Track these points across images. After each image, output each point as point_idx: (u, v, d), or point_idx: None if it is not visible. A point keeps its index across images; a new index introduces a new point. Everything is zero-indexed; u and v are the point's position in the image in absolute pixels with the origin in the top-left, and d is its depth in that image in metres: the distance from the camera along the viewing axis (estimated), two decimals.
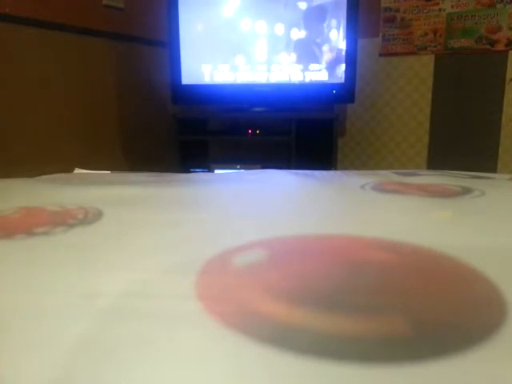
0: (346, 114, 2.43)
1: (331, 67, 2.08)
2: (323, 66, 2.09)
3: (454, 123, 2.26)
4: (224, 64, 2.11)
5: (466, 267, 0.31)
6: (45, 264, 0.33)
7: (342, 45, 2.05)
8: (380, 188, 0.58)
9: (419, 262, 0.33)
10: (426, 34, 2.22)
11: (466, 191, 0.55)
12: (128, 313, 0.25)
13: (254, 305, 0.26)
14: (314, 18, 2.08)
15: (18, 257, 0.34)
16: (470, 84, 2.20)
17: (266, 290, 0.28)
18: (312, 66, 2.09)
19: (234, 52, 2.10)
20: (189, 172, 0.86)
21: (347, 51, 2.04)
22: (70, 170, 0.88)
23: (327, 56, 2.08)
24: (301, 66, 2.10)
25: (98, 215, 0.44)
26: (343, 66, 2.06)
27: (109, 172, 0.89)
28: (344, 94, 2.08)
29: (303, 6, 2.06)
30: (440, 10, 2.19)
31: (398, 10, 2.26)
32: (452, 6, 2.17)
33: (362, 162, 2.47)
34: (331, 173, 0.75)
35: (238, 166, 2.14)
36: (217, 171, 2.08)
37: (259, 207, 0.49)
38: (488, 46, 2.13)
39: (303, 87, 2.11)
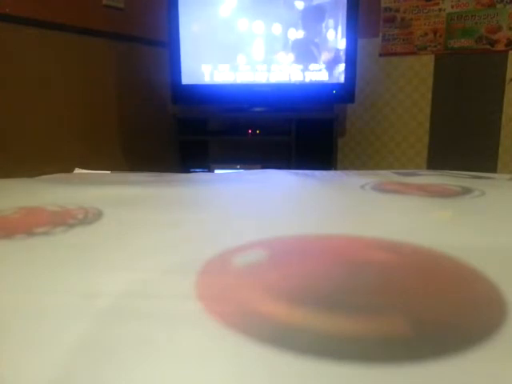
0: (345, 114, 2.43)
1: (331, 67, 2.08)
2: (323, 66, 2.09)
3: (454, 123, 2.26)
4: (224, 64, 2.11)
5: (466, 267, 0.31)
6: (45, 264, 0.33)
7: (342, 45, 2.05)
8: (380, 188, 0.58)
9: (419, 261, 0.33)
10: (426, 33, 2.22)
11: (465, 191, 0.55)
12: (128, 313, 0.25)
13: (253, 305, 0.26)
14: (315, 17, 2.08)
15: (18, 257, 0.34)
16: (470, 84, 2.20)
17: (266, 290, 0.28)
18: (312, 66, 2.09)
19: (234, 52, 2.10)
20: (189, 172, 0.86)
21: (347, 51, 2.04)
22: (69, 170, 0.88)
23: (327, 56, 2.08)
24: (301, 66, 2.10)
25: (98, 215, 0.44)
26: (343, 66, 2.06)
27: (109, 172, 0.89)
28: (344, 94, 2.08)
29: (304, 6, 2.06)
30: (440, 10, 2.19)
31: (397, 10, 2.26)
32: (452, 6, 2.17)
33: (362, 162, 2.47)
34: (331, 173, 0.75)
35: (238, 166, 2.14)
36: (217, 171, 2.08)
37: (259, 207, 0.49)
38: (488, 46, 2.13)
39: (303, 87, 2.11)
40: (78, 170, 0.88)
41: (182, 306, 0.26)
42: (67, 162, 1.37)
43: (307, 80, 2.10)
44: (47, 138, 1.91)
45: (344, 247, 0.36)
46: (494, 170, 2.21)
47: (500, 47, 2.12)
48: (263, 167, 0.84)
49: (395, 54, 2.29)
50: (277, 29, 2.07)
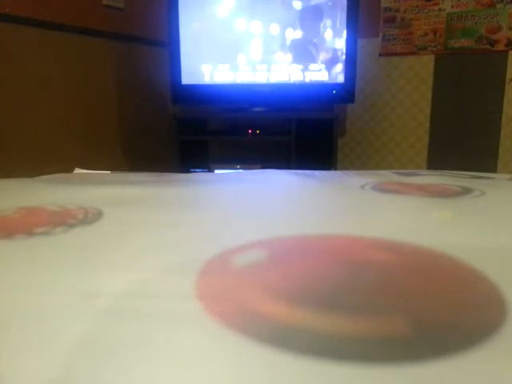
0: (345, 114, 2.43)
1: (331, 67, 2.08)
2: (323, 66, 2.09)
3: (454, 123, 2.26)
4: (224, 64, 2.11)
5: (466, 267, 0.31)
6: (45, 264, 0.33)
7: (342, 45, 2.05)
8: (380, 188, 0.58)
9: (419, 261, 0.33)
10: (426, 33, 2.22)
11: (466, 191, 0.55)
12: (128, 313, 0.25)
13: (254, 305, 0.26)
14: (315, 17, 2.08)
15: (18, 257, 0.34)
16: (470, 84, 2.20)
17: (266, 290, 0.28)
18: (312, 66, 2.09)
19: (234, 52, 2.10)
20: (189, 172, 0.86)
21: (347, 51, 2.04)
22: (69, 170, 0.88)
23: (327, 56, 2.08)
24: (301, 66, 2.10)
25: (98, 215, 0.44)
26: (343, 66, 2.06)
27: (109, 172, 0.89)
28: (344, 94, 2.08)
29: (304, 6, 2.06)
30: (440, 10, 2.19)
31: (398, 10, 2.26)
32: (452, 6, 2.17)
33: (362, 162, 2.47)
34: (331, 173, 0.75)
35: (238, 166, 2.14)
36: (217, 171, 2.08)
37: (259, 207, 0.49)
38: (488, 46, 2.13)
39: (303, 87, 2.11)
40: (78, 170, 0.88)
41: (182, 305, 0.26)
42: (67, 161, 1.37)
43: (307, 80, 2.10)
44: (47, 138, 1.91)
45: (344, 247, 0.36)
46: (494, 170, 2.21)
47: (500, 47, 2.12)
48: (263, 167, 0.84)
49: (395, 54, 2.29)
50: (277, 28, 2.07)
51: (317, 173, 0.73)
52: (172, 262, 0.33)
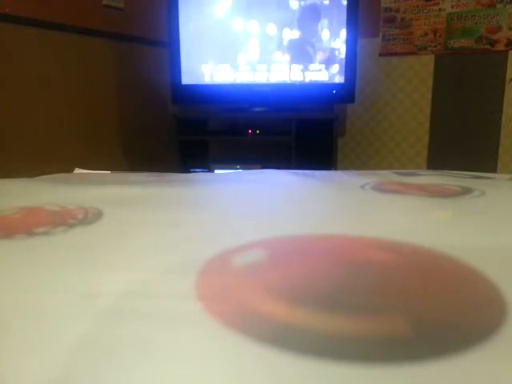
0: (345, 114, 2.43)
1: (331, 67, 2.08)
2: (323, 66, 2.09)
3: (454, 123, 2.26)
4: (224, 64, 2.11)
5: (466, 267, 0.31)
6: (45, 264, 0.33)
7: (342, 45, 2.05)
8: (380, 188, 0.58)
9: (419, 261, 0.33)
10: (426, 33, 2.22)
11: (466, 191, 0.55)
12: (128, 313, 0.25)
13: (254, 305, 0.26)
14: (314, 17, 2.08)
15: (18, 257, 0.34)
16: (470, 84, 2.20)
17: (266, 290, 0.28)
18: (312, 66, 2.09)
19: (234, 52, 2.10)
20: (189, 172, 0.86)
21: (347, 51, 2.04)
22: (69, 170, 0.88)
23: (327, 56, 2.08)
24: (301, 66, 2.10)
25: (98, 215, 0.44)
26: (343, 66, 2.06)
27: (109, 172, 0.89)
28: (344, 94, 2.08)
29: (305, 5, 2.06)
30: (440, 10, 2.19)
31: (397, 10, 2.26)
32: (452, 6, 2.17)
33: (362, 162, 2.47)
34: (331, 173, 0.75)
35: (238, 166, 2.14)
36: (217, 171, 2.08)
37: (259, 207, 0.49)
38: (488, 46, 2.13)
39: (303, 87, 2.11)
40: (78, 170, 0.88)
41: (182, 305, 0.26)
42: (67, 161, 1.37)
43: (307, 80, 2.10)
44: (47, 138, 1.91)
45: (344, 247, 0.36)
46: (494, 170, 2.21)
47: (500, 47, 2.12)
48: (263, 167, 0.84)
49: (395, 53, 2.29)
50: (277, 29, 2.07)
51: (317, 173, 0.73)
52: (172, 262, 0.33)
